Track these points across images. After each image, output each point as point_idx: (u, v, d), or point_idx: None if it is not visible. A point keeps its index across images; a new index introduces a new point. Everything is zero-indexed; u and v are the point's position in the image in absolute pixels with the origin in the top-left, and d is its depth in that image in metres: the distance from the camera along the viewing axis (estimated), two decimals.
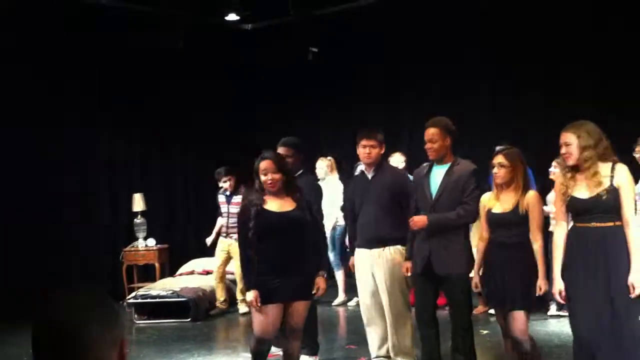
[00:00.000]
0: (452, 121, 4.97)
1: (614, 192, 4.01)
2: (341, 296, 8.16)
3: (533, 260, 4.47)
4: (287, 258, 4.44)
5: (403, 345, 5.15)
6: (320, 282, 4.61)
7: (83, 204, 8.94)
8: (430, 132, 4.84)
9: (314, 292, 4.61)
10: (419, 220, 4.78)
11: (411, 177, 5.60)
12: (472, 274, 4.81)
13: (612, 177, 4.02)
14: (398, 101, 9.76)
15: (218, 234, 8.13)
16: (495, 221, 4.61)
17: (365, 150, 5.14)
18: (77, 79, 8.71)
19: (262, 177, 4.47)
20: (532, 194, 4.54)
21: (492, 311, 7.37)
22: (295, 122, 10.28)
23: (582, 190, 4.09)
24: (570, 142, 4.08)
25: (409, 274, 5.00)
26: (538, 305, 7.12)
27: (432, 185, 4.89)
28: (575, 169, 4.13)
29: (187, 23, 9.41)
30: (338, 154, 9.85)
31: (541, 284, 4.44)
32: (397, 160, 7.74)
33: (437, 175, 4.90)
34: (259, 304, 4.39)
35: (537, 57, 8.46)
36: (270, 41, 10.27)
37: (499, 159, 4.55)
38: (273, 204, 4.51)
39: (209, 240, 8.26)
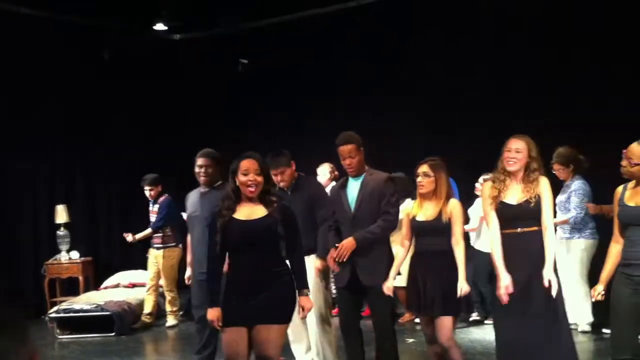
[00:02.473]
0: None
1: (537, 200, 4.29)
2: None
3: (456, 267, 4.57)
4: (256, 275, 3.97)
5: (325, 354, 5.18)
6: (305, 301, 4.07)
7: (4, 216, 8.66)
8: (347, 148, 4.93)
9: (298, 313, 4.11)
10: (348, 245, 4.79)
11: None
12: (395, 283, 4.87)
13: (535, 187, 4.32)
14: (325, 113, 9.81)
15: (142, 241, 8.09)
16: (419, 229, 4.72)
17: (277, 177, 5.26)
18: None
19: (242, 178, 3.98)
20: (454, 202, 4.68)
21: (418, 320, 7.52)
22: (221, 133, 10.19)
23: (511, 197, 4.34)
24: (522, 149, 4.34)
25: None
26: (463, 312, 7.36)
27: (349, 198, 4.96)
28: (509, 176, 4.36)
29: (113, 32, 9.28)
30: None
31: (462, 286, 4.51)
32: (324, 171, 7.78)
33: (353, 187, 5.00)
34: (220, 325, 3.99)
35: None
36: (199, 52, 10.20)
37: (423, 168, 4.68)
38: (242, 212, 4.04)
39: (129, 236, 8.09)
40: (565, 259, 6.44)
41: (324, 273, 5.24)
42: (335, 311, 6.73)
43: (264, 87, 10.11)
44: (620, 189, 4.08)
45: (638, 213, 3.90)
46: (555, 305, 4.23)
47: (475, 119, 8.45)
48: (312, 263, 5.14)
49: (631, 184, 4.03)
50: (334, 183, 7.64)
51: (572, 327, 6.63)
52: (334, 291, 7.89)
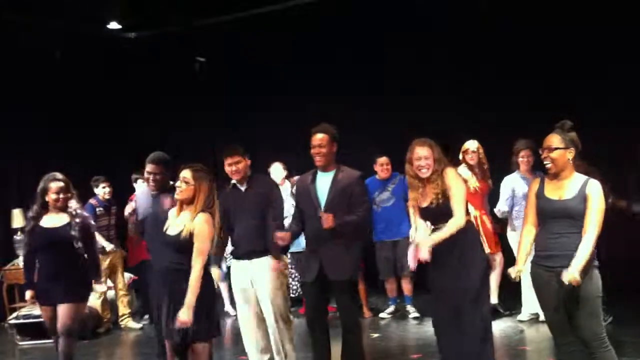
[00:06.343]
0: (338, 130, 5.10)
1: (443, 198, 4.48)
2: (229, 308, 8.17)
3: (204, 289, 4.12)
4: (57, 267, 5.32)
5: (287, 352, 5.22)
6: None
7: None
8: (319, 137, 4.96)
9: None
10: (328, 217, 4.77)
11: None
12: None
13: (436, 187, 4.50)
14: (282, 109, 9.77)
15: None
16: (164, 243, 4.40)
17: (232, 167, 5.15)
18: None
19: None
20: (200, 218, 4.16)
21: (382, 315, 7.58)
22: (169, 132, 10.02)
23: (426, 200, 4.57)
24: (429, 155, 4.52)
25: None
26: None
27: (318, 193, 4.96)
28: (421, 181, 4.56)
29: (65, 31, 9.11)
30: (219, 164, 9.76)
31: (181, 314, 4.00)
32: (277, 169, 7.79)
33: (323, 182, 5.00)
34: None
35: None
36: (156, 50, 10.06)
37: (185, 173, 4.27)
38: (48, 220, 5.43)
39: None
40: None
41: (282, 272, 5.23)
42: (301, 310, 6.78)
43: (220, 86, 10.03)
44: (537, 181, 4.21)
45: (560, 206, 3.99)
46: (470, 295, 4.46)
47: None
48: (266, 264, 5.10)
49: (549, 178, 4.12)
50: (287, 183, 7.68)
51: (533, 317, 6.80)
52: (294, 289, 7.94)
